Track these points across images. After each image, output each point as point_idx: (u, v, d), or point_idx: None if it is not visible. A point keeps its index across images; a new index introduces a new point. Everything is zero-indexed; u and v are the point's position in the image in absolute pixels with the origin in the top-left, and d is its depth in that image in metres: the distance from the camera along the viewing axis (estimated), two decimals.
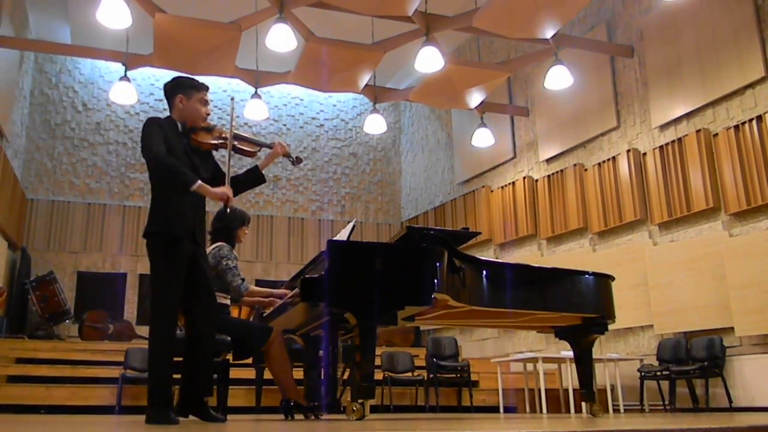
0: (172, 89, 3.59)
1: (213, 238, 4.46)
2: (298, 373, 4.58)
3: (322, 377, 4.57)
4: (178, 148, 3.44)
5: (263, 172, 3.82)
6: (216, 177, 3.62)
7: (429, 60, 7.71)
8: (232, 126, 3.67)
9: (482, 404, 7.91)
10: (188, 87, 3.58)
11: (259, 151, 3.81)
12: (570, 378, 7.09)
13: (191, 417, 3.48)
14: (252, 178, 3.78)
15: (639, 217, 8.09)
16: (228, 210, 3.58)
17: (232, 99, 4.26)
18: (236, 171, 3.80)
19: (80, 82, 11.69)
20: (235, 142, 3.65)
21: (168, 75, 10.90)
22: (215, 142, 3.59)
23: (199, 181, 3.35)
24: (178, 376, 3.48)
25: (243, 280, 4.44)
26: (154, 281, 3.38)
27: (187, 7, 8.47)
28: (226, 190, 3.46)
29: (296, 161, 3.93)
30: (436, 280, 3.65)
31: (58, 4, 10.26)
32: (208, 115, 3.63)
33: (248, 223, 4.69)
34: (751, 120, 7.00)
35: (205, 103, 3.61)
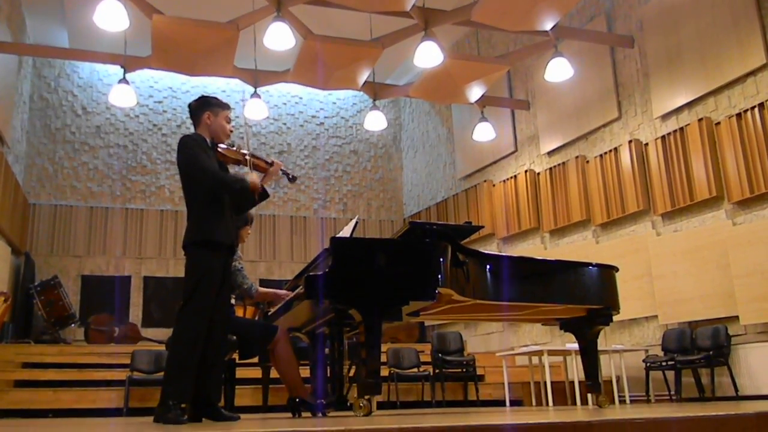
0: (200, 106, 3.76)
1: None
2: (305, 371, 4.58)
3: (328, 374, 4.58)
4: (213, 161, 3.64)
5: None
6: None
7: (428, 55, 7.69)
8: (248, 145, 3.89)
9: (488, 398, 7.91)
10: (215, 105, 3.76)
11: (268, 167, 3.99)
12: (575, 370, 7.09)
13: (204, 421, 3.49)
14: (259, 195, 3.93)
15: (642, 208, 8.08)
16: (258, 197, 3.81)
17: (250, 126, 4.45)
18: None
19: (79, 85, 11.68)
20: (253, 160, 3.87)
21: (167, 77, 11.01)
22: (236, 158, 3.79)
23: (249, 181, 3.60)
24: None
25: (252, 283, 4.46)
26: (191, 287, 3.45)
27: (185, 8, 8.46)
28: (256, 179, 3.68)
29: (292, 179, 4.08)
30: (439, 275, 3.65)
31: (55, 8, 10.25)
32: (232, 132, 3.82)
33: (251, 223, 4.71)
34: (753, 108, 6.97)
35: (229, 120, 3.80)
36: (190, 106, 3.83)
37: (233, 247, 3.65)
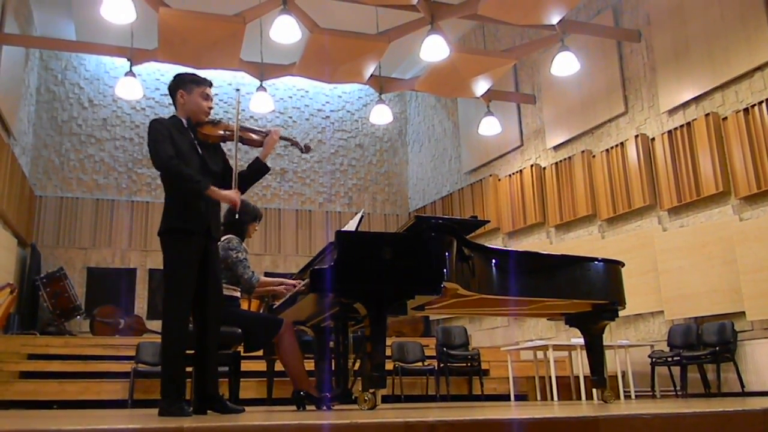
0: (173, 87, 3.63)
1: (224, 230, 4.47)
2: (309, 365, 4.58)
3: (333, 368, 4.58)
4: (183, 145, 3.47)
5: (266, 161, 3.76)
6: (226, 170, 3.64)
7: (434, 49, 7.67)
8: (237, 119, 3.66)
9: (493, 392, 7.91)
10: (188, 82, 3.60)
11: (263, 139, 3.76)
12: (581, 365, 7.07)
13: (209, 413, 3.49)
14: (255, 170, 3.74)
15: (648, 203, 8.05)
16: (237, 213, 3.64)
17: (238, 90, 4.24)
18: (244, 162, 3.78)
19: (86, 78, 11.70)
20: (242, 134, 3.65)
21: (173, 70, 10.96)
22: (222, 134, 3.60)
23: (211, 187, 3.41)
24: (190, 369, 3.50)
25: (253, 272, 4.44)
26: (167, 276, 3.42)
27: (191, 1, 8.44)
28: (234, 195, 3.49)
29: (305, 149, 3.92)
30: (445, 269, 3.65)
31: (62, 0, 10.25)
32: (211, 109, 3.63)
33: (260, 219, 4.70)
34: (760, 103, 6.93)
35: (206, 97, 3.61)
36: (168, 88, 3.69)
37: (209, 232, 3.49)
